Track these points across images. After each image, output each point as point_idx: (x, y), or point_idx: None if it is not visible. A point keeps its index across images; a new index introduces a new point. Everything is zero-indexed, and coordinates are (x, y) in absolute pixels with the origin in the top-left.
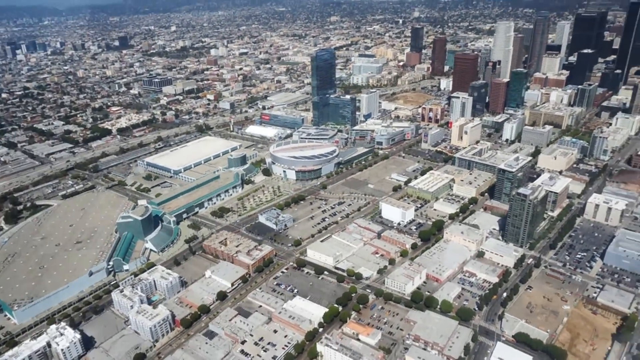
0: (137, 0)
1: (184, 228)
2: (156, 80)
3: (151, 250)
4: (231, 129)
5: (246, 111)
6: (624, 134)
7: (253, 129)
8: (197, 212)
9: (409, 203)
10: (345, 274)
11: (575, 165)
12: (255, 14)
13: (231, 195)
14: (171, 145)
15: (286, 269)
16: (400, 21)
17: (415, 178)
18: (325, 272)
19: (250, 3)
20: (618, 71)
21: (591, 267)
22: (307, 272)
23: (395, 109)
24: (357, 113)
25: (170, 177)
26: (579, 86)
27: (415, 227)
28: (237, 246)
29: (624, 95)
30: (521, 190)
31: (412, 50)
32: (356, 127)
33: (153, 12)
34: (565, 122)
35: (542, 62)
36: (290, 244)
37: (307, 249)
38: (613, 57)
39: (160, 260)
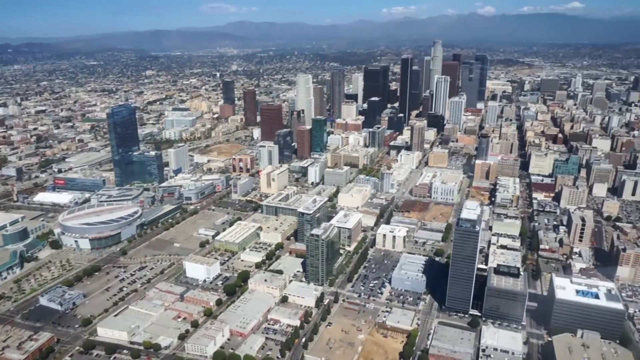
0: None
1: None
2: None
3: None
4: (15, 199)
5: (37, 177)
6: (407, 169)
7: (44, 197)
8: None
9: (215, 258)
10: (142, 348)
11: (369, 200)
12: (61, 68)
13: (5, 278)
14: None
15: (70, 355)
16: (218, 74)
17: (224, 230)
18: (123, 350)
19: (55, 57)
20: (401, 115)
21: (382, 293)
22: (97, 355)
23: (208, 161)
24: (166, 169)
25: None
26: (371, 129)
27: (221, 282)
28: (4, 341)
29: (406, 135)
30: (314, 230)
31: (225, 103)
32: (164, 184)
33: None
34: (361, 161)
35: (342, 109)
36: (77, 325)
37: (97, 327)
38: (397, 103)
39: None
